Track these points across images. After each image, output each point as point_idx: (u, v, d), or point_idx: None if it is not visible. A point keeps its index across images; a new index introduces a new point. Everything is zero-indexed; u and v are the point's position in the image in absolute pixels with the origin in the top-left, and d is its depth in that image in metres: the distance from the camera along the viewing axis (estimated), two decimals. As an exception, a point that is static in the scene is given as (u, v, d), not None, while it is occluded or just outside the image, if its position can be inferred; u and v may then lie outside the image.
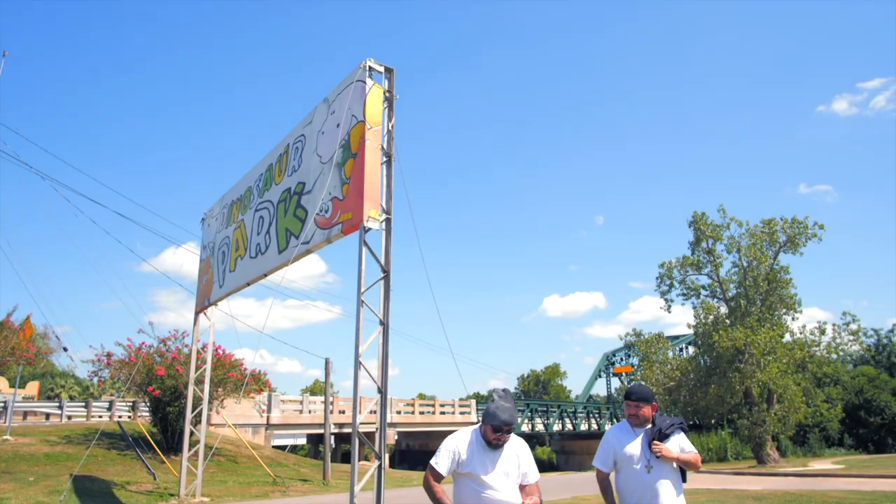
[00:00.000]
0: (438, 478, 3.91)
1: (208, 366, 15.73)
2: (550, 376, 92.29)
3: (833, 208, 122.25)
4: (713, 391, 31.93)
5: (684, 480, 4.07)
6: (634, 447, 4.10)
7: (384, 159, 10.00)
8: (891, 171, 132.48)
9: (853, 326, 33.37)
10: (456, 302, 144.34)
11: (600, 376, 65.73)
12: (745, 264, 34.20)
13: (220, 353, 21.00)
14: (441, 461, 3.77)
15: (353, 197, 9.64)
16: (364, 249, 9.26)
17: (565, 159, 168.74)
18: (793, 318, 34.50)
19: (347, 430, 33.13)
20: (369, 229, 9.37)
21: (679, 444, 4.12)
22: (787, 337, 33.62)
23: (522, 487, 3.90)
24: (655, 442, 3.99)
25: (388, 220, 9.76)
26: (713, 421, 42.86)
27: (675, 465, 4.06)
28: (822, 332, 33.54)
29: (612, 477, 4.27)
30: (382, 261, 9.59)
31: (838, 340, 33.48)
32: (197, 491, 14.97)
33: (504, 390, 3.83)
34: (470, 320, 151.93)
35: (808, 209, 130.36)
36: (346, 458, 37.75)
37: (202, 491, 15.30)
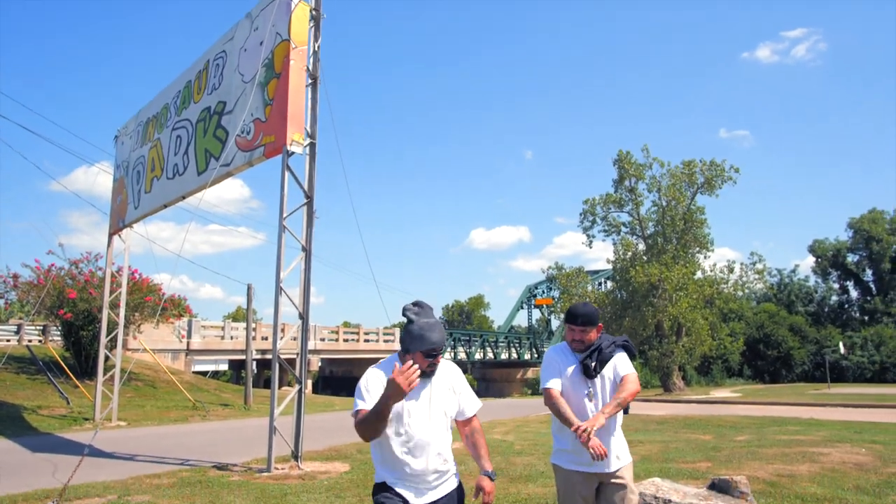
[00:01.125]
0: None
1: (123, 289, 15.24)
2: (474, 307, 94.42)
3: (749, 153, 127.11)
4: (628, 324, 33.49)
5: (625, 412, 3.66)
6: (575, 374, 3.67)
7: (309, 81, 9.67)
8: (805, 121, 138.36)
9: (759, 266, 35.54)
10: (382, 232, 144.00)
11: (522, 308, 67.66)
12: (664, 203, 35.42)
13: (137, 276, 20.35)
14: (365, 398, 2.88)
15: (276, 119, 9.33)
16: (287, 174, 9.04)
17: (495, 92, 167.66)
18: (705, 257, 36.35)
19: (270, 356, 33.16)
20: (293, 153, 9.14)
21: (614, 365, 3.64)
22: (699, 274, 35.43)
23: (461, 423, 3.15)
24: (581, 427, 3.35)
25: (312, 145, 9.53)
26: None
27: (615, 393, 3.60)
28: (731, 270, 35.56)
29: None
30: (306, 186, 9.41)
31: (745, 279, 35.66)
32: (113, 415, 14.74)
33: (418, 304, 3.02)
34: (396, 251, 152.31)
35: (727, 153, 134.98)
36: (269, 383, 37.82)
37: (119, 415, 15.08)
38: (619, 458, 3.55)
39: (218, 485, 7.65)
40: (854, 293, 69.42)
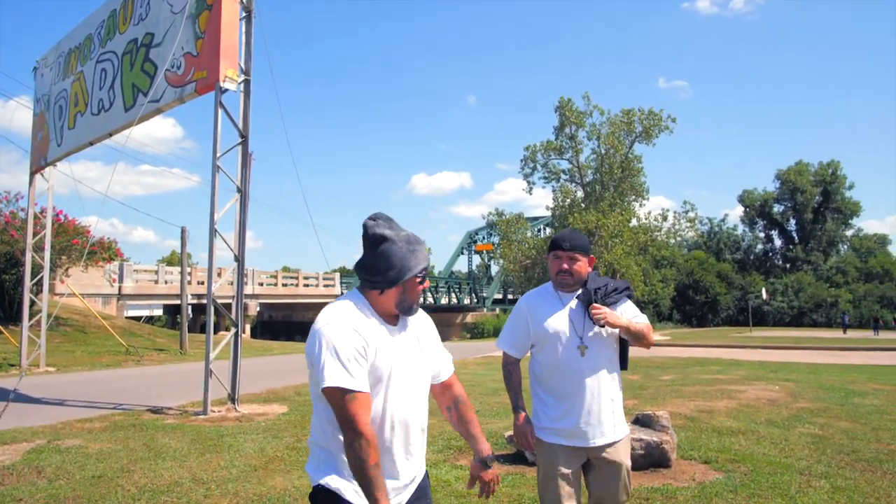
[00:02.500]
0: (368, 406, 1.89)
1: (48, 231, 14.58)
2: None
3: (686, 104, 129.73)
4: (564, 270, 34.32)
5: (624, 367, 2.96)
6: (561, 320, 2.82)
7: (243, 14, 9.24)
8: (740, 73, 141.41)
9: (691, 215, 36.77)
10: (322, 175, 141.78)
11: (462, 253, 68.32)
12: (603, 151, 35.96)
13: (62, 218, 19.48)
14: (353, 372, 1.86)
15: (208, 54, 8.91)
16: (220, 111, 8.71)
17: (440, 34, 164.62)
18: (640, 205, 37.36)
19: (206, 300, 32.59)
20: (226, 90, 8.79)
21: (630, 315, 2.89)
22: (634, 222, 36.41)
23: (440, 388, 2.31)
24: (595, 305, 2.72)
25: (247, 82, 9.18)
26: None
27: (615, 345, 2.88)
28: (664, 218, 36.66)
29: (525, 363, 2.95)
30: (240, 125, 9.10)
31: (677, 227, 36.89)
32: (41, 361, 14.28)
33: (382, 216, 2.09)
34: (336, 195, 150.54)
35: (665, 103, 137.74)
36: (206, 328, 37.36)
37: (47, 361, 14.63)
38: (616, 428, 2.83)
39: (152, 427, 7.56)
40: (778, 242, 72.88)
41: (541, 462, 2.88)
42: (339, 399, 1.84)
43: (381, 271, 2.01)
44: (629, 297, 2.99)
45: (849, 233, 71.80)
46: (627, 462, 2.86)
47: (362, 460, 1.80)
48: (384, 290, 2.03)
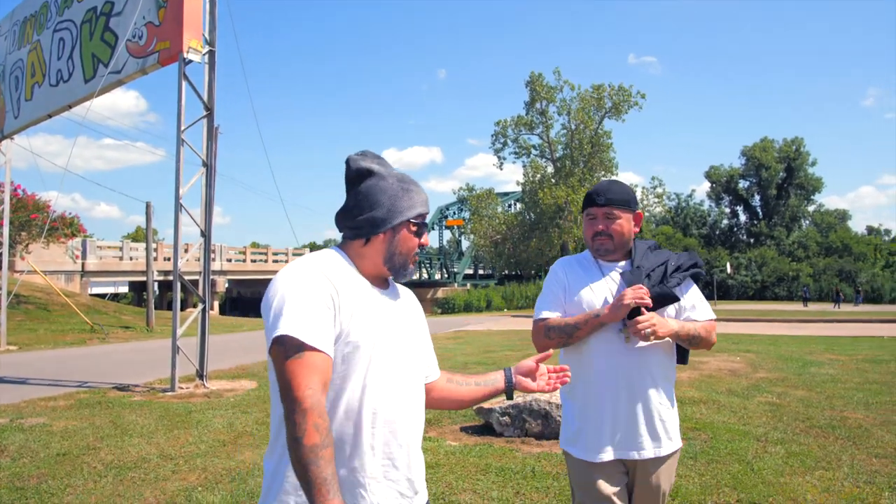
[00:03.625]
0: (323, 371, 1.37)
1: (6, 206, 14.20)
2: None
3: (655, 80, 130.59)
4: (534, 244, 34.64)
5: (683, 361, 2.32)
6: (601, 294, 2.21)
7: (207, -17, 9.01)
8: (708, 49, 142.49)
9: (659, 190, 37.31)
10: (291, 150, 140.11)
11: (433, 229, 68.10)
12: (573, 127, 36.12)
13: (21, 193, 18.96)
14: (311, 323, 1.38)
15: (170, 23, 8.69)
16: (184, 83, 8.54)
17: (410, 8, 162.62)
18: (609, 180, 37.77)
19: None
20: (190, 61, 8.60)
21: (681, 306, 2.27)
22: (603, 197, 36.80)
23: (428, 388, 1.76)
24: (638, 319, 2.06)
25: (211, 53, 8.98)
26: (532, 271, 46.73)
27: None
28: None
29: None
30: (205, 97, 8.92)
31: (645, 202, 37.33)
32: (2, 339, 13.98)
33: (370, 153, 1.69)
34: (306, 170, 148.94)
35: (634, 78, 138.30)
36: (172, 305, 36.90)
37: (8, 339, 14.34)
38: (669, 437, 2.20)
39: (119, 405, 7.50)
40: (743, 217, 74.09)
41: (575, 483, 2.23)
42: (281, 357, 1.34)
43: (363, 210, 1.59)
44: (697, 277, 2.36)
45: (811, 208, 73.31)
46: (667, 486, 2.22)
47: (296, 439, 1.26)
48: (369, 237, 1.58)
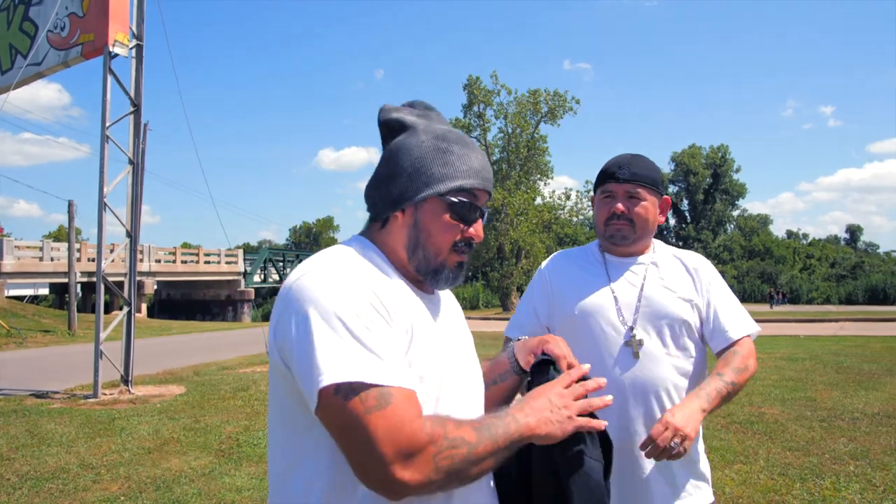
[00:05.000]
0: (420, 417, 0.96)
1: (-87, 203, 13.36)
2: (322, 228, 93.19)
3: (589, 86, 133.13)
4: (471, 247, 35.02)
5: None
6: (602, 297, 1.80)
7: (134, -26, 8.72)
8: (640, 57, 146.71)
9: (592, 194, 38.22)
10: (223, 149, 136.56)
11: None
12: (510, 131, 36.61)
13: (-69, 189, 17.88)
14: (384, 355, 0.96)
15: (95, 15, 8.37)
16: (110, 78, 8.23)
17: (346, 6, 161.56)
18: (545, 184, 38.52)
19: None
20: (116, 55, 8.29)
21: (713, 325, 1.88)
22: (539, 200, 37.41)
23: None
24: (652, 435, 1.51)
25: (139, 47, 8.69)
26: (470, 274, 47.17)
27: (693, 337, 1.88)
28: (568, 197, 37.94)
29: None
30: (132, 93, 8.62)
31: (580, 206, 38.19)
32: None
33: (419, 102, 1.25)
34: (238, 169, 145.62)
35: (569, 84, 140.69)
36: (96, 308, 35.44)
37: (-86, 344, 13.48)
38: (698, 486, 1.82)
39: (36, 413, 7.15)
40: (672, 221, 76.62)
41: None
42: (357, 407, 0.92)
43: (380, 181, 1.17)
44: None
45: (735, 213, 76.52)
46: None
47: (461, 467, 0.95)
48: (387, 219, 1.15)
